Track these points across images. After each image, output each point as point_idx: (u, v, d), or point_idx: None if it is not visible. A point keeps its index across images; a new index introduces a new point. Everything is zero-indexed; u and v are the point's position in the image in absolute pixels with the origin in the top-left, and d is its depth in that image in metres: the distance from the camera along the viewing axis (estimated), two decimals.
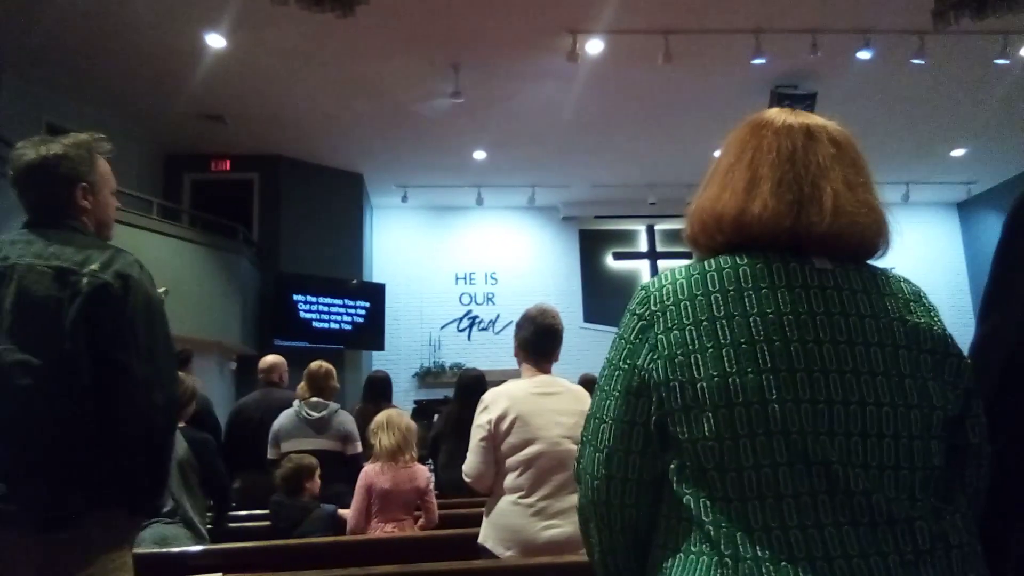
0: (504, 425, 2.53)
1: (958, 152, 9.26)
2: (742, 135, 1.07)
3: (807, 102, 7.11)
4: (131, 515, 1.74)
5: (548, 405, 2.56)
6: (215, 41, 6.31)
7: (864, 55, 6.43)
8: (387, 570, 2.37)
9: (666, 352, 0.94)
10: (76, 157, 1.81)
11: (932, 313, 0.99)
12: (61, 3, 5.63)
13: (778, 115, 1.06)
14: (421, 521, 3.41)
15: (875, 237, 1.01)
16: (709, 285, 0.96)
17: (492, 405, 2.60)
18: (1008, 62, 6.51)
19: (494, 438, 2.55)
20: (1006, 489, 0.99)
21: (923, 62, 6.41)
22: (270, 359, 4.84)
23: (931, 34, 6.10)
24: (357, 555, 2.76)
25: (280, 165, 8.97)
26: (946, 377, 0.94)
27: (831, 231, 0.96)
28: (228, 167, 8.95)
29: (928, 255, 10.82)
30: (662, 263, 10.62)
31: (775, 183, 0.98)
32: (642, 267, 10.92)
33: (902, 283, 1.01)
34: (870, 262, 1.03)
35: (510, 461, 2.53)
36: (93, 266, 1.66)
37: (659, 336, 0.96)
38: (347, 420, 4.16)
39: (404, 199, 10.00)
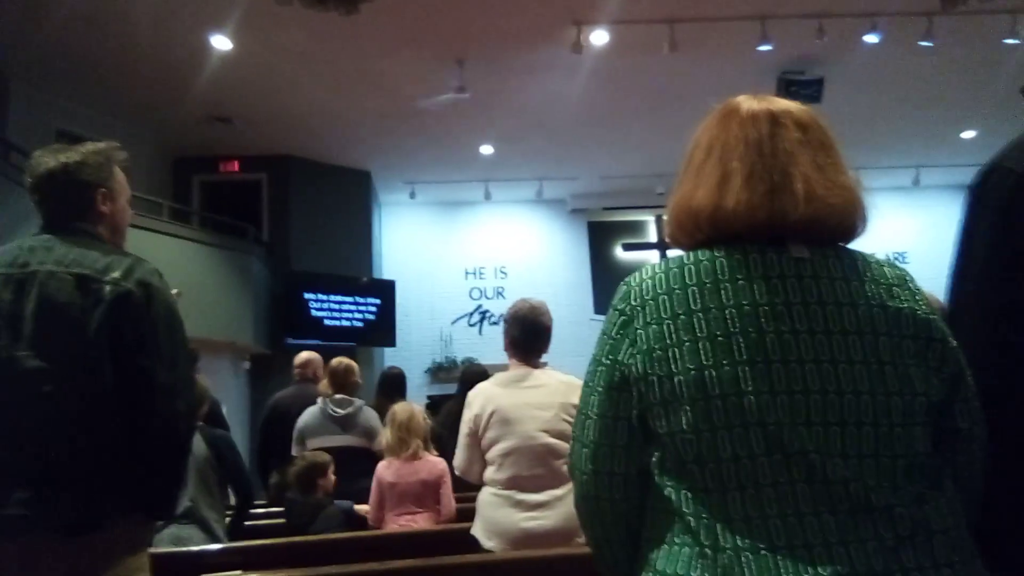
0: (483, 421, 2.61)
1: (969, 134, 9.16)
2: (710, 128, 1.07)
3: (814, 87, 7.05)
4: (149, 519, 1.76)
5: (526, 399, 2.60)
6: (220, 43, 6.33)
7: (871, 39, 6.37)
8: (405, 564, 2.39)
9: (645, 347, 0.95)
10: (95, 164, 1.83)
11: (917, 297, 0.97)
12: (67, 10, 5.65)
13: (743, 103, 1.06)
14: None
15: (852, 217, 1.00)
16: (686, 279, 0.97)
17: (473, 402, 2.68)
18: (1018, 41, 6.41)
19: (476, 433, 2.63)
20: (1008, 472, 0.98)
21: (931, 44, 6.33)
22: (305, 355, 4.86)
23: (939, 16, 6.03)
24: (374, 550, 2.78)
25: (288, 165, 8.98)
26: (930, 362, 0.93)
27: (806, 216, 0.95)
28: (237, 168, 8.98)
29: (940, 239, 10.71)
30: (672, 253, 10.50)
31: (746, 176, 0.98)
32: (652, 257, 10.84)
33: (885, 268, 0.99)
34: (851, 247, 1.02)
35: (489, 455, 2.61)
36: (115, 274, 1.66)
37: (638, 331, 0.97)
38: (372, 416, 4.20)
39: (412, 196, 10.00)
